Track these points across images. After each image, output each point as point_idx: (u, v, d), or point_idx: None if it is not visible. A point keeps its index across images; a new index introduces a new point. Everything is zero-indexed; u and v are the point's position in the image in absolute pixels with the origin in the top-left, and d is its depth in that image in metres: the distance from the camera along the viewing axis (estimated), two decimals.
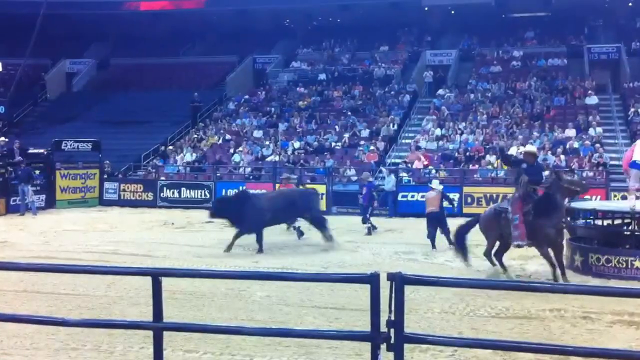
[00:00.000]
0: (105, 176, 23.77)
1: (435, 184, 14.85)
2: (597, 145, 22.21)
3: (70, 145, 23.39)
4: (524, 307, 8.41)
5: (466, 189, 20.33)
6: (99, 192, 23.45)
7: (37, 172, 22.10)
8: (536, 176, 10.59)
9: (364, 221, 16.27)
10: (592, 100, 26.10)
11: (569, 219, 12.86)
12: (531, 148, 11.29)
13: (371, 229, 16.09)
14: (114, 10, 34.36)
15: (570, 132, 23.65)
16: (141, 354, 6.55)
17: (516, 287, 6.73)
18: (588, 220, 12.04)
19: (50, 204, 22.00)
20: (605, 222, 11.85)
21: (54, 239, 15.15)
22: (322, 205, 21.00)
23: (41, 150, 22.99)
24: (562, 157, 21.66)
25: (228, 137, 27.11)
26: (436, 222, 13.80)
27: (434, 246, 13.61)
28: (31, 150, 22.81)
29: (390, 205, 20.21)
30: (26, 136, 27.14)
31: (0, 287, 9.19)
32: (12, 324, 6.74)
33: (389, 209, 20.22)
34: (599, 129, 23.77)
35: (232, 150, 25.58)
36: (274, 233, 15.99)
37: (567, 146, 22.55)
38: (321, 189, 21.31)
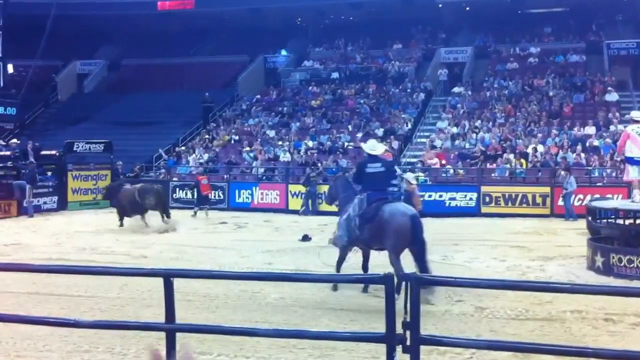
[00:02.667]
0: (124, 176, 23.77)
1: (410, 176, 13.65)
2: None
3: (82, 146, 23.40)
4: (544, 309, 8.28)
5: (484, 188, 20.09)
6: None
7: (49, 173, 22.17)
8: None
9: None
10: (612, 97, 25.67)
11: (590, 218, 12.68)
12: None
13: None
14: (124, 10, 34.29)
15: (590, 129, 23.27)
16: None
17: (536, 288, 6.58)
18: (609, 220, 11.81)
19: (62, 205, 21.93)
20: (627, 222, 11.61)
21: (66, 241, 15.15)
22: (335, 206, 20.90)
23: (53, 152, 23.04)
24: (582, 155, 21.32)
25: (240, 137, 27.05)
26: None
27: None
28: (43, 152, 22.89)
29: None
30: (38, 138, 27.06)
31: (13, 288, 9.15)
32: (25, 325, 6.71)
33: None
34: (620, 126, 23.29)
35: (244, 150, 25.50)
36: (287, 235, 15.95)
37: (587, 144, 22.19)
38: None
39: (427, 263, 8.87)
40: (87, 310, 8.31)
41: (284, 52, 35.34)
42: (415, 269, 8.63)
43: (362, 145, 10.23)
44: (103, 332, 6.65)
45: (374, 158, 9.49)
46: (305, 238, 14.97)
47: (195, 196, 20.74)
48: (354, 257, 12.52)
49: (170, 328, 4.86)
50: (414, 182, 13.41)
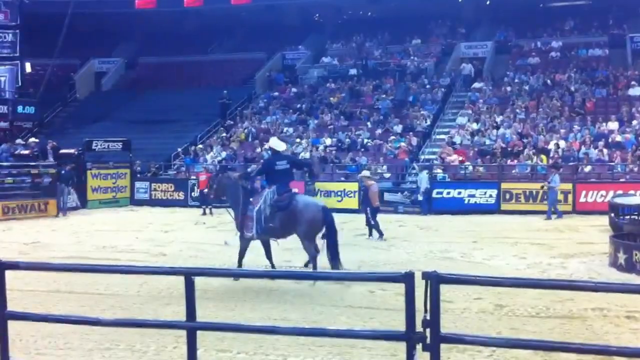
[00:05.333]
0: (140, 175, 23.93)
1: (367, 174, 14.71)
2: None
3: (101, 145, 23.56)
4: (565, 306, 8.21)
5: (504, 185, 19.89)
6: (130, 192, 23.57)
7: None
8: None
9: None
10: (636, 91, 25.25)
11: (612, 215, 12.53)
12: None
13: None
14: (141, 8, 34.33)
15: (613, 124, 22.87)
16: (174, 354, 6.49)
17: (557, 285, 6.47)
18: (632, 217, 11.65)
19: (82, 204, 22.13)
20: None
21: (86, 239, 15.27)
22: (355, 204, 20.70)
23: (72, 151, 23.22)
24: (605, 150, 20.99)
25: (258, 134, 27.04)
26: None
27: (382, 233, 14.45)
28: (62, 151, 23.09)
29: (424, 203, 19.88)
30: (56, 136, 27.26)
31: (33, 287, 9.24)
32: (46, 324, 6.73)
33: (421, 206, 19.91)
34: None
35: (260, 149, 25.47)
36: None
37: (610, 140, 21.85)
38: (353, 186, 21.06)
39: (338, 251, 9.97)
40: (107, 308, 8.34)
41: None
42: (327, 256, 9.85)
43: (270, 144, 11.23)
44: (123, 329, 6.66)
45: (280, 156, 10.43)
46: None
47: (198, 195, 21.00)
48: (373, 255, 12.53)
49: (192, 326, 4.87)
50: (371, 178, 14.13)
